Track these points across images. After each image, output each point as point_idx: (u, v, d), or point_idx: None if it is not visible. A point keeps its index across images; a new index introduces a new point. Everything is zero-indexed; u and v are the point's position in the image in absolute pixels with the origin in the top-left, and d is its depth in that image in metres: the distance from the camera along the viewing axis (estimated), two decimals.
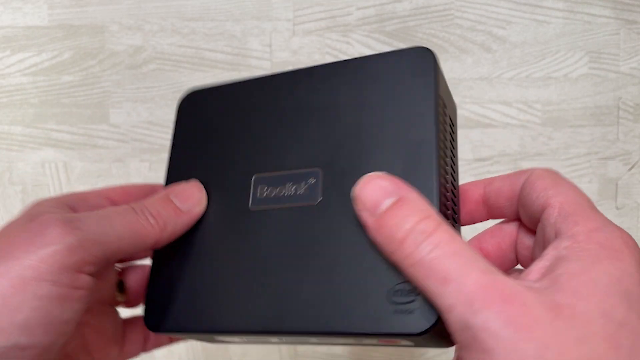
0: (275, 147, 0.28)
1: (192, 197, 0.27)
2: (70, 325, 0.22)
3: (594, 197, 0.52)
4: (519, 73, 0.52)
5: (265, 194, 0.27)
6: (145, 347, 0.31)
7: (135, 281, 0.30)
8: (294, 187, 0.26)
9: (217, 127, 0.30)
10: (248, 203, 0.27)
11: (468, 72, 0.51)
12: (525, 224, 0.24)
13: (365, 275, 0.22)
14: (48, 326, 0.21)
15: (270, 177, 0.27)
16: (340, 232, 0.24)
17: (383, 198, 0.20)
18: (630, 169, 0.52)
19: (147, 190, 0.29)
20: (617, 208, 0.52)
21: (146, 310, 0.27)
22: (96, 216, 0.23)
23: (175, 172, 0.29)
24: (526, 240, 0.25)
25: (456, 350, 0.19)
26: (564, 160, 0.52)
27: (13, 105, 0.52)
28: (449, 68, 0.51)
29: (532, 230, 0.24)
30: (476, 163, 0.52)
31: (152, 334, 0.31)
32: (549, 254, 0.20)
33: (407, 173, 0.23)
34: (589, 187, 0.52)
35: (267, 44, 0.52)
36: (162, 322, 0.26)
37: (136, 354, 0.31)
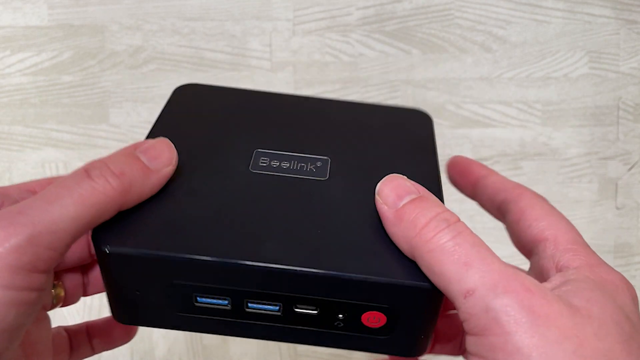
0: (278, 136, 0.27)
1: (162, 155, 0.23)
2: (23, 330, 0.20)
3: (594, 197, 0.52)
4: (519, 73, 0.52)
5: (266, 164, 0.25)
6: (94, 351, 0.28)
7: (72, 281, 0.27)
8: (300, 164, 0.25)
9: (212, 116, 0.28)
10: (247, 166, 0.25)
11: (468, 72, 0.52)
12: (513, 243, 0.25)
13: (378, 240, 0.22)
14: (2, 334, 0.19)
15: (273, 153, 0.26)
16: (352, 205, 0.23)
17: (405, 194, 0.21)
18: (630, 169, 0.52)
19: None
20: (617, 208, 0.52)
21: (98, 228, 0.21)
22: (42, 200, 0.19)
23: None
24: None
25: (467, 344, 0.20)
26: (564, 160, 0.52)
27: (13, 105, 0.52)
28: (449, 68, 0.51)
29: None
30: None
31: (98, 344, 0.28)
32: (557, 279, 0.20)
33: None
34: (589, 187, 0.52)
35: (267, 44, 0.52)
36: (120, 239, 0.21)
37: None
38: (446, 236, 0.19)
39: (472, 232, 0.20)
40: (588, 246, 0.22)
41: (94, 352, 0.28)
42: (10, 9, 0.52)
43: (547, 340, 0.17)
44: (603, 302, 0.19)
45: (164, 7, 0.52)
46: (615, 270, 0.21)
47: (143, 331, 0.52)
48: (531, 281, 0.18)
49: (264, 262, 0.20)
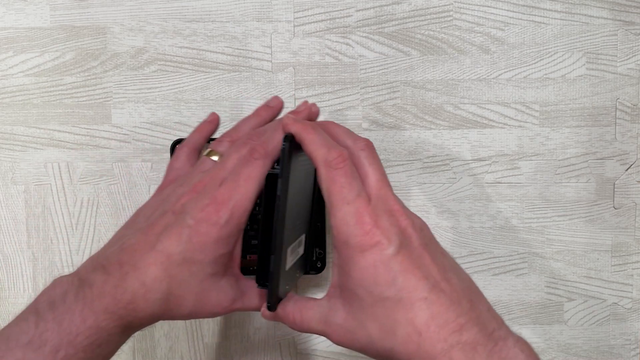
0: None
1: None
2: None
3: (591, 197, 0.52)
4: (517, 74, 0.52)
5: None
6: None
7: None
8: None
9: None
10: None
11: (466, 73, 0.52)
12: None
13: None
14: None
15: None
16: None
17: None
18: (627, 169, 0.53)
19: None
20: (615, 208, 0.52)
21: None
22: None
23: None
24: None
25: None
26: (562, 160, 0.52)
27: (16, 105, 0.52)
28: (447, 69, 0.52)
29: None
30: (474, 163, 0.52)
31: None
32: None
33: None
34: (587, 187, 0.52)
35: (268, 45, 0.52)
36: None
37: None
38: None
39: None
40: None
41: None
42: (13, 11, 0.52)
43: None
44: None
45: (165, 8, 0.52)
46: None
47: (145, 330, 0.52)
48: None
49: None
